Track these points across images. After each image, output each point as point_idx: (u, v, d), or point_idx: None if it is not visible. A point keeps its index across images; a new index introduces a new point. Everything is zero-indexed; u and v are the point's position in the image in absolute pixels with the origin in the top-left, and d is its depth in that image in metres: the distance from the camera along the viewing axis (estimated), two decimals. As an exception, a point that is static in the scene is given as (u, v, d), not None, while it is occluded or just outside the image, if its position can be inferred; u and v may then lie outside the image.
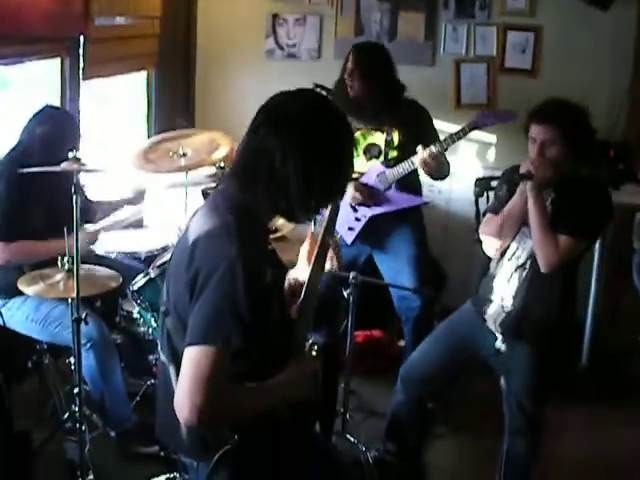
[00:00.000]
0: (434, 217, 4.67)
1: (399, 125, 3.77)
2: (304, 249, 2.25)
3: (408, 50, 4.93)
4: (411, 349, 3.56)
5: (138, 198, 4.10)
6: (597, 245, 4.38)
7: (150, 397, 3.54)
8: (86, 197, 3.66)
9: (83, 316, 3.02)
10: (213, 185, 3.92)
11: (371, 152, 3.85)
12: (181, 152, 3.82)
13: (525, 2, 4.85)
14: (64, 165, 3.06)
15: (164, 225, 4.15)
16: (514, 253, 2.95)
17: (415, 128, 3.75)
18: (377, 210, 3.84)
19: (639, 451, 3.75)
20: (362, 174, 3.84)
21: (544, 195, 2.84)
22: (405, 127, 3.76)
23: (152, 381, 3.62)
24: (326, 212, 2.16)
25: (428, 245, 4.07)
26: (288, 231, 3.97)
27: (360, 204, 3.84)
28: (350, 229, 3.92)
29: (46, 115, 3.40)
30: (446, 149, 3.62)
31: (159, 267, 3.25)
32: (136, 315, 3.47)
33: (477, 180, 4.08)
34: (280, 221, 2.22)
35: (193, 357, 1.74)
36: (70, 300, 3.02)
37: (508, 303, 2.95)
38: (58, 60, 4.11)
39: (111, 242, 3.78)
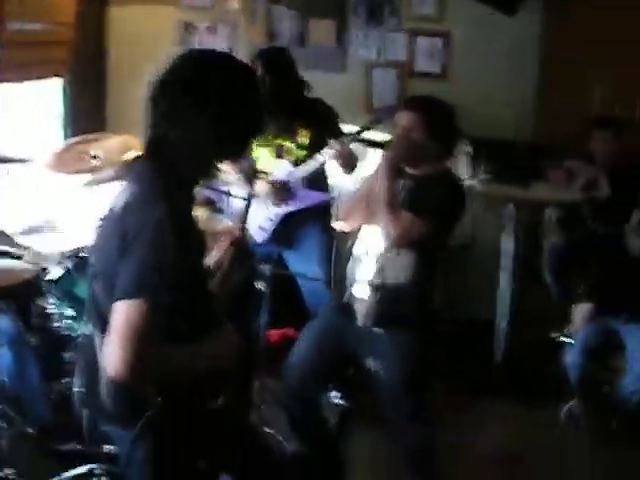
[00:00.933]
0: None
1: (305, 124, 3.92)
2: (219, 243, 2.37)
3: (319, 56, 5.03)
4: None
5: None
6: (511, 239, 4.59)
7: (66, 396, 3.55)
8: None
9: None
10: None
11: (280, 152, 3.98)
12: (93, 154, 3.88)
13: (434, 8, 5.01)
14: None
15: (78, 227, 4.17)
16: (374, 235, 3.06)
17: (322, 126, 3.89)
18: (288, 208, 3.97)
19: (543, 446, 3.87)
20: (272, 174, 3.94)
21: (401, 184, 3.02)
22: (312, 126, 3.91)
23: (68, 379, 3.64)
24: (240, 205, 2.27)
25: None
26: (202, 223, 4.04)
27: (273, 201, 3.96)
28: (261, 228, 4.02)
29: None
30: (353, 141, 3.77)
31: (75, 257, 3.28)
32: (51, 309, 3.49)
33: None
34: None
35: (122, 310, 1.81)
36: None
37: (370, 286, 3.04)
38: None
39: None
